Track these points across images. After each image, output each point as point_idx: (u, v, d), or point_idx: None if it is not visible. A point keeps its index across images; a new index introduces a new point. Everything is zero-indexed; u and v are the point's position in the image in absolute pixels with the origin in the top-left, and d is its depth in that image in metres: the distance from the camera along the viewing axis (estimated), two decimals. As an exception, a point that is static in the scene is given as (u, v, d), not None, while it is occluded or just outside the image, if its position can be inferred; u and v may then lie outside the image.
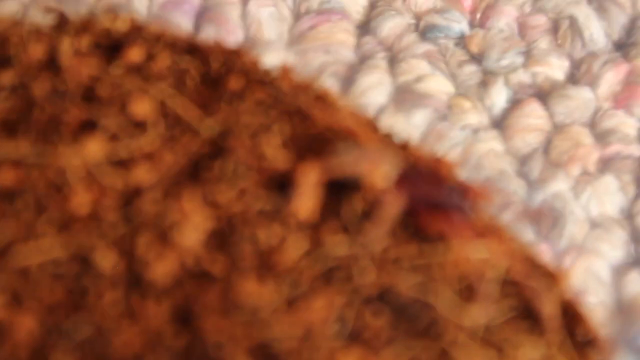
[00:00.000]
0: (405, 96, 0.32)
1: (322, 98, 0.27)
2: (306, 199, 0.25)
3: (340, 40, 0.33)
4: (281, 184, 0.26)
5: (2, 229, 0.24)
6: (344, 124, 0.27)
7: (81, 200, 0.25)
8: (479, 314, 0.24)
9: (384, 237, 0.25)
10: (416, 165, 0.26)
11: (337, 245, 0.24)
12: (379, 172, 0.24)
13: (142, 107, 0.26)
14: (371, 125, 0.28)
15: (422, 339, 0.24)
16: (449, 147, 0.31)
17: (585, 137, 0.32)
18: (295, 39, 0.33)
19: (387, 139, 0.28)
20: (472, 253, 0.25)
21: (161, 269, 0.24)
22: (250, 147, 0.25)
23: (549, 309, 0.25)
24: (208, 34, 0.33)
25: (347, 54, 0.33)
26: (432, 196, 0.25)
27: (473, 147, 0.32)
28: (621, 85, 0.34)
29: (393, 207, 0.24)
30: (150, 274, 0.24)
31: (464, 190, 0.25)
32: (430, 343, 0.24)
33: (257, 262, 0.24)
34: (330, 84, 0.32)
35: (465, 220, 0.25)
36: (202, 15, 0.34)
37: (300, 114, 0.27)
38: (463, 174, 0.29)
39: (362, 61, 0.33)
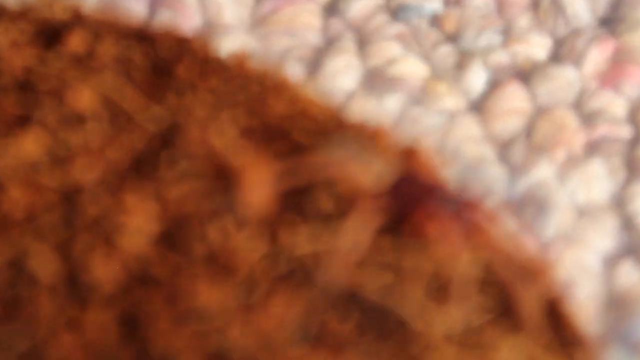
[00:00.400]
0: (377, 80, 0.30)
1: (280, 86, 0.25)
2: (257, 193, 0.23)
3: (305, 23, 0.31)
4: (235, 180, 0.24)
5: None
6: (305, 114, 0.25)
7: (15, 201, 0.22)
8: (455, 316, 0.22)
9: (356, 237, 0.23)
10: (410, 170, 0.24)
11: (298, 244, 0.22)
12: (370, 174, 0.23)
13: (81, 99, 0.24)
14: (335, 114, 0.26)
15: (391, 346, 0.22)
16: (425, 133, 0.29)
17: (571, 119, 0.30)
18: (257, 23, 0.31)
19: (356, 128, 0.26)
20: (450, 253, 0.23)
21: (104, 274, 0.22)
22: (201, 139, 0.23)
23: (531, 307, 0.23)
24: (163, 20, 0.31)
25: (313, 38, 0.31)
26: (426, 202, 0.23)
27: (450, 133, 0.30)
28: (608, 63, 0.32)
29: (374, 213, 0.22)
30: (92, 280, 0.22)
31: (457, 199, 0.24)
32: (399, 350, 0.22)
33: (209, 265, 0.22)
34: (295, 69, 0.30)
35: (456, 226, 0.23)
36: (157, 1, 0.32)
37: (255, 104, 0.25)
38: (440, 162, 0.27)
39: (329, 44, 0.31)
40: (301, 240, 0.22)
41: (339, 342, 0.22)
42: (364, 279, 0.22)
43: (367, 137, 0.24)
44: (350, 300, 0.22)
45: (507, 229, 0.26)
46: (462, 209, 0.24)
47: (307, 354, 0.22)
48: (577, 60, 0.32)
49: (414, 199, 0.23)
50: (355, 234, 0.23)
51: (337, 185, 0.23)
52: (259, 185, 0.22)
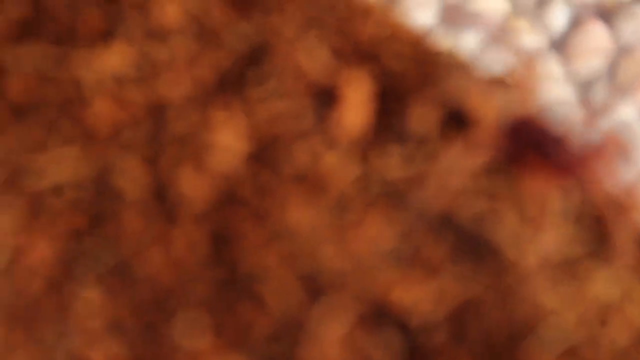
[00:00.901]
0: (455, 15, 0.30)
1: (368, 9, 0.25)
2: (354, 113, 0.22)
3: (383, -44, 0.30)
4: (325, 100, 0.23)
5: (13, 148, 0.21)
6: (394, 38, 0.24)
7: (101, 116, 0.22)
8: (550, 246, 0.21)
9: (457, 164, 0.22)
10: (528, 115, 0.23)
11: (391, 167, 0.22)
12: (491, 106, 0.22)
13: (167, 14, 0.23)
14: (422, 42, 0.25)
15: (485, 272, 0.21)
16: (503, 71, 0.29)
17: (655, 59, 0.30)
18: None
19: (442, 58, 0.25)
20: (544, 183, 0.22)
21: (193, 191, 0.21)
22: (289, 58, 0.23)
23: (626, 240, 0.22)
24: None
25: (391, -29, 0.30)
26: (540, 144, 0.23)
27: (530, 72, 0.29)
28: (692, 5, 0.31)
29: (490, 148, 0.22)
30: (181, 197, 0.21)
31: (570, 151, 0.23)
32: (493, 277, 0.21)
33: (299, 185, 0.22)
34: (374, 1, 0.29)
35: (565, 169, 0.23)
36: None
37: (344, 25, 0.24)
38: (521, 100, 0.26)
39: (408, -22, 0.30)
40: (394, 163, 0.22)
41: (432, 266, 0.21)
42: (459, 205, 0.22)
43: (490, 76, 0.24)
44: (445, 225, 0.21)
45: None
46: (573, 161, 0.23)
47: (400, 277, 0.21)
48: (662, 0, 0.31)
49: (529, 144, 0.23)
50: (457, 161, 0.22)
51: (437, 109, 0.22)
52: (356, 105, 0.21)
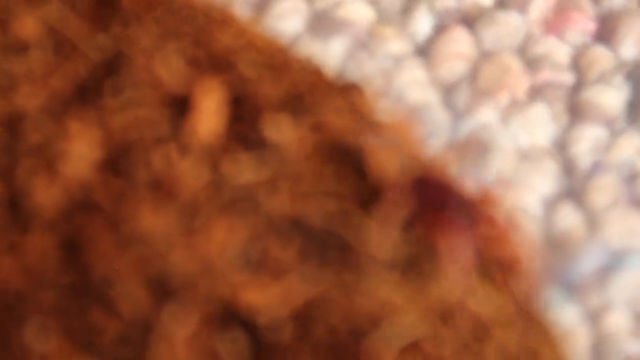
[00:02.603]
0: (323, 23, 0.31)
1: (226, 20, 0.26)
2: (207, 120, 0.23)
3: (251, -36, 0.31)
4: (180, 108, 0.24)
5: None
6: (251, 47, 0.25)
7: (-44, 128, 0.22)
8: (398, 243, 0.23)
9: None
10: (427, 171, 0.24)
11: (241, 172, 0.23)
12: (394, 163, 0.23)
13: (25, 28, 0.24)
14: (282, 49, 0.26)
15: (333, 271, 0.22)
16: (370, 77, 0.30)
17: (515, 64, 0.31)
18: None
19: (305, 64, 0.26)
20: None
21: (46, 200, 0.22)
22: (146, 68, 0.23)
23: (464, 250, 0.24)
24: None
25: (259, -21, 0.31)
26: (440, 204, 0.23)
27: (395, 77, 0.30)
28: (553, 11, 0.33)
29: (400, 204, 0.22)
30: (34, 205, 0.22)
31: (471, 203, 0.24)
32: (341, 275, 0.22)
33: (151, 191, 0.22)
34: (241, 10, 0.30)
35: (466, 239, 0.23)
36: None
37: (201, 36, 0.25)
38: (385, 105, 0.27)
39: (276, -14, 0.31)
40: (245, 169, 0.23)
41: (279, 268, 0.22)
42: (307, 207, 0.23)
43: (391, 128, 0.24)
44: (293, 227, 0.22)
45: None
46: (476, 221, 0.24)
47: (249, 280, 0.22)
48: (522, 7, 0.32)
49: (431, 201, 0.23)
50: (305, 167, 0.23)
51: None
52: (209, 111, 0.22)
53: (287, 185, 0.23)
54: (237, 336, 0.21)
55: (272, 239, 0.22)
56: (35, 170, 0.22)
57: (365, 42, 0.31)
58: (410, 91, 0.30)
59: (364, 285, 0.22)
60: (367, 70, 0.30)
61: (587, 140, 0.30)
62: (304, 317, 0.22)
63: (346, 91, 0.25)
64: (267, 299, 0.21)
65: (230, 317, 0.21)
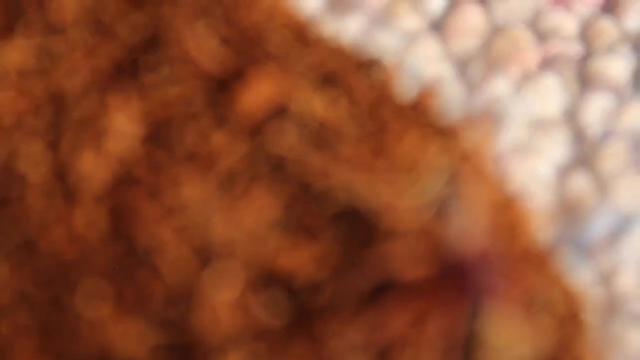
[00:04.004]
0: (339, 1, 0.32)
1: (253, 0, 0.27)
2: (249, 99, 0.24)
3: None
4: (218, 87, 0.25)
5: None
6: (280, 24, 0.26)
7: (4, 106, 0.23)
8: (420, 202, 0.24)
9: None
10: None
11: (279, 143, 0.24)
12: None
13: (63, 9, 0.25)
14: (310, 26, 0.27)
15: (362, 237, 0.23)
16: (385, 52, 0.31)
17: (525, 37, 0.32)
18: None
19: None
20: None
21: (91, 173, 0.23)
22: (181, 46, 0.24)
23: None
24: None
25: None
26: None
27: (410, 52, 0.31)
28: (560, -15, 0.34)
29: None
30: (80, 179, 0.23)
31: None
32: (368, 241, 0.23)
33: (191, 163, 0.23)
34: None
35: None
36: None
37: (231, 14, 0.26)
38: (400, 81, 0.28)
39: (294, -33, 0.32)
40: (282, 140, 0.24)
41: (313, 233, 0.23)
42: (343, 178, 0.24)
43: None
44: (325, 197, 0.23)
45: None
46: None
47: (285, 244, 0.23)
48: (531, -18, 0.33)
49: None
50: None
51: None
52: (252, 91, 0.23)
53: (323, 156, 0.24)
54: (277, 299, 0.22)
55: (305, 206, 0.23)
56: (79, 145, 0.23)
57: (380, 19, 0.32)
58: (425, 66, 0.31)
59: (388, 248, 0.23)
60: (382, 47, 0.31)
61: (596, 109, 0.31)
62: (339, 279, 0.23)
63: (369, 67, 0.26)
64: (304, 263, 0.23)
65: (269, 281, 0.23)
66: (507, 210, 0.25)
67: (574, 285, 0.26)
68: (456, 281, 0.22)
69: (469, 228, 0.22)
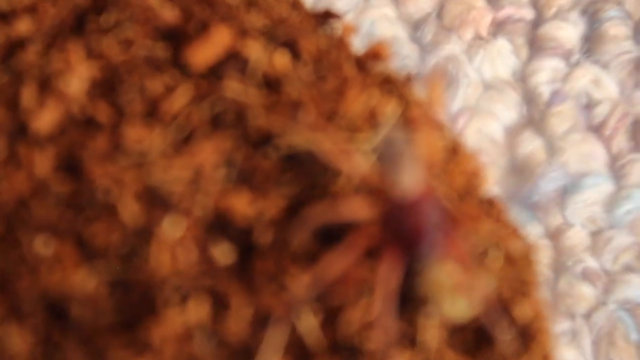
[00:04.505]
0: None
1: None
2: (206, 50, 0.24)
3: None
4: (170, 37, 0.25)
5: None
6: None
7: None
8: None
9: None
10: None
11: (226, 89, 0.24)
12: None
13: (23, -40, 0.25)
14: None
15: (310, 183, 0.24)
16: (341, 13, 0.31)
17: (478, 1, 0.33)
18: None
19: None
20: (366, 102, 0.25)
21: (46, 117, 0.24)
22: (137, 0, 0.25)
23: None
24: None
25: None
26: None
27: (366, 13, 0.32)
28: (514, -49, 0.34)
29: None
30: (35, 122, 0.24)
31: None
32: (317, 187, 0.24)
33: (144, 109, 0.24)
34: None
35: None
36: None
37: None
38: (356, 41, 0.29)
39: None
40: (229, 86, 0.24)
41: (262, 179, 0.24)
42: (285, 125, 0.24)
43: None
44: (271, 141, 0.24)
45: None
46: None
47: (231, 187, 0.24)
48: (485, -53, 0.34)
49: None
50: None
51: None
52: (204, 39, 0.24)
53: (271, 101, 0.24)
54: (222, 239, 0.23)
55: (250, 153, 0.24)
56: (35, 90, 0.24)
57: (337, -17, 0.33)
58: (380, 27, 0.32)
59: (341, 202, 0.24)
60: (339, 7, 0.32)
61: (546, 72, 0.32)
62: (282, 223, 0.23)
63: (324, 21, 0.27)
64: (249, 204, 0.23)
65: (217, 221, 0.23)
66: (455, 156, 0.26)
67: (525, 235, 0.27)
68: (399, 224, 0.23)
69: (412, 172, 0.23)
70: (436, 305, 0.23)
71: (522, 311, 0.24)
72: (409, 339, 0.23)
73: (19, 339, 0.23)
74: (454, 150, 0.26)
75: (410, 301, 0.23)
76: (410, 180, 0.23)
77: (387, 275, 0.23)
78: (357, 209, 0.23)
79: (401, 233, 0.23)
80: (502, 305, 0.24)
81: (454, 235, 0.23)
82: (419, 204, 0.23)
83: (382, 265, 0.23)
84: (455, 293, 0.22)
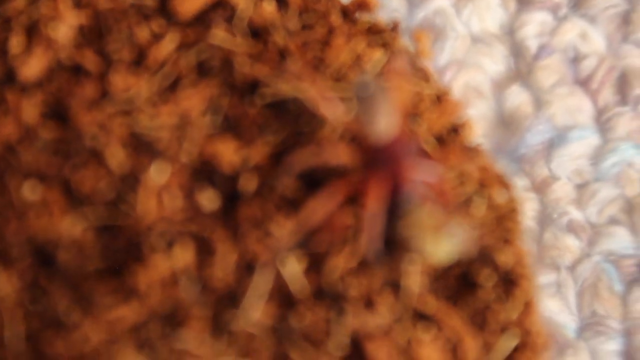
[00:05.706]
0: None
1: None
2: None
3: None
4: None
5: None
6: None
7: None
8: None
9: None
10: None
11: (212, 37, 0.25)
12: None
13: None
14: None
15: (295, 130, 0.24)
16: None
17: (466, -45, 0.33)
18: None
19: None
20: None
21: (33, 63, 0.24)
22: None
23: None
24: None
25: None
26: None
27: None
28: None
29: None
30: (23, 69, 0.24)
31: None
32: (302, 135, 0.24)
33: (131, 57, 0.24)
34: None
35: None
36: None
37: None
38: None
39: None
40: (216, 34, 0.24)
41: (247, 126, 0.24)
42: (269, 72, 0.25)
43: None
44: (256, 88, 0.24)
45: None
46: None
47: (218, 135, 0.24)
48: None
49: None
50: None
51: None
52: None
53: (256, 48, 0.25)
54: (207, 185, 0.23)
55: (235, 100, 0.24)
56: (24, 35, 0.24)
57: None
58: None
59: (324, 148, 0.24)
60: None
61: (533, 25, 0.32)
62: (267, 170, 0.24)
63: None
64: (234, 151, 0.24)
65: (203, 168, 0.24)
66: (439, 104, 0.26)
67: (510, 183, 0.27)
68: (377, 168, 0.23)
69: (386, 117, 0.23)
70: (419, 247, 0.23)
71: (505, 258, 0.24)
72: (392, 285, 0.24)
73: (6, 283, 0.23)
74: (439, 99, 0.26)
75: (393, 248, 0.23)
76: (385, 124, 0.23)
77: (371, 220, 0.23)
78: (341, 155, 0.23)
79: (380, 176, 0.23)
80: (485, 252, 0.24)
81: (433, 177, 0.24)
82: (394, 147, 0.23)
83: (365, 210, 0.23)
84: (437, 233, 0.23)
